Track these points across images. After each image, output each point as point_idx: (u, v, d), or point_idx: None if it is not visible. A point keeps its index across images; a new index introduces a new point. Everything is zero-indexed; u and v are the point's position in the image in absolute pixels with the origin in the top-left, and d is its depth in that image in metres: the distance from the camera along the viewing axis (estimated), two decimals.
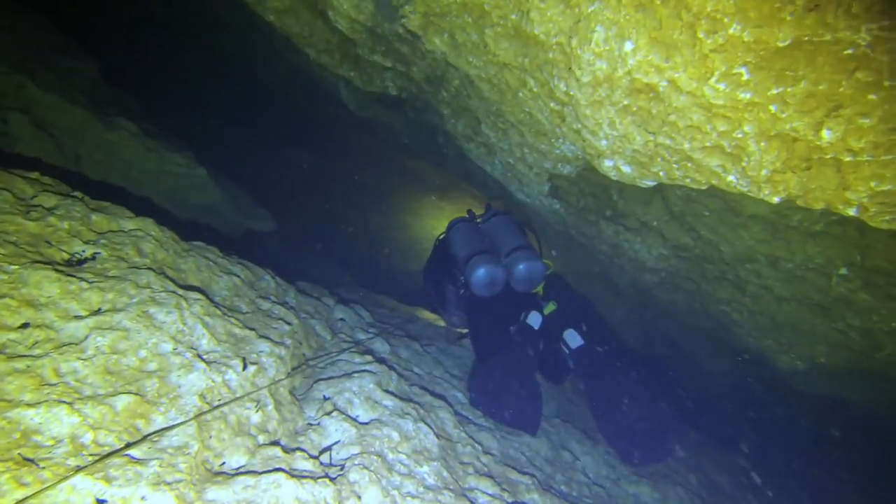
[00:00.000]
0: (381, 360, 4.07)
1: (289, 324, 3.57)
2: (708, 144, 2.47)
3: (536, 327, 4.45)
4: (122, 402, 2.00)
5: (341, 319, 4.91)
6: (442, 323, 7.90)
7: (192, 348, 2.59)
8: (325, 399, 3.17)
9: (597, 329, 4.59)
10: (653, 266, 5.29)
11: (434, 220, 10.54)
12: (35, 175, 3.27)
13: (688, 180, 2.88)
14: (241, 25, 7.16)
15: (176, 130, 7.31)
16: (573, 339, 4.39)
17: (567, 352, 4.40)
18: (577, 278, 8.31)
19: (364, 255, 9.88)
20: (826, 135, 1.91)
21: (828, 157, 2.00)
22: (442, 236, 5.17)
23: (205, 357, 2.62)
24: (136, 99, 6.94)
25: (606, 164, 3.15)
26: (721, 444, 5.71)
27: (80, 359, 2.05)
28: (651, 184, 3.21)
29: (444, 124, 5.21)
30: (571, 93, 2.85)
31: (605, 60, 2.51)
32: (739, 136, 2.26)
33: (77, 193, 3.34)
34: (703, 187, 2.84)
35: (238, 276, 3.77)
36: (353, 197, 9.75)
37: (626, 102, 2.66)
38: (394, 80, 4.85)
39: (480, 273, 4.26)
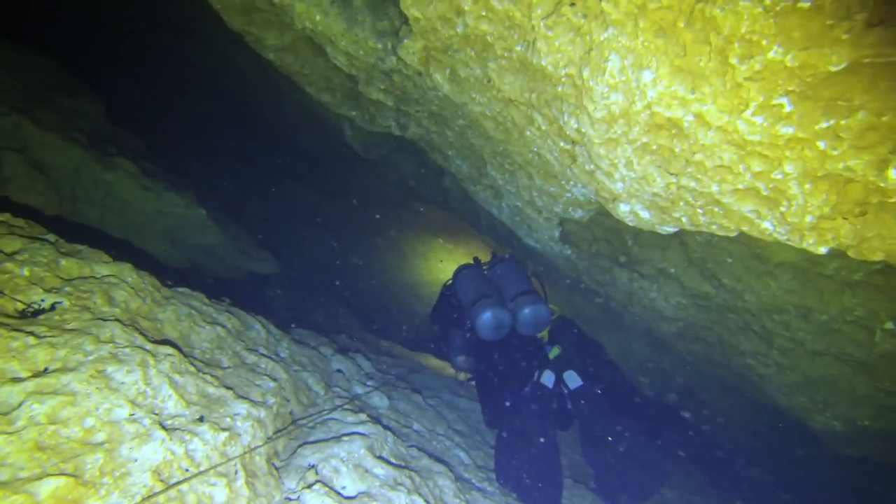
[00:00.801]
0: (376, 419, 3.69)
1: (274, 379, 3.22)
2: (740, 187, 2.14)
3: (550, 386, 4.31)
4: (48, 487, 1.65)
5: (339, 371, 4.55)
6: (448, 371, 7.50)
7: (153, 413, 2.25)
8: (310, 467, 2.79)
9: (601, 370, 4.47)
10: (670, 315, 4.91)
11: (442, 263, 10.23)
12: (4, 217, 3.01)
13: (714, 227, 2.54)
14: (246, 64, 7.05)
15: (178, 170, 7.13)
16: (572, 379, 4.29)
17: (566, 392, 4.29)
18: (588, 325, 7.90)
19: (371, 297, 9.55)
20: (893, 174, 1.57)
21: (892, 200, 1.66)
22: (448, 283, 5.01)
23: (168, 423, 2.27)
24: (140, 137, 6.77)
25: (622, 209, 2.82)
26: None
27: (3, 433, 1.71)
28: (671, 230, 2.87)
29: (449, 165, 4.95)
30: (583, 130, 2.55)
31: (621, 93, 2.21)
32: (779, 177, 1.93)
33: (50, 237, 3.07)
34: (732, 234, 2.49)
35: (223, 326, 3.45)
36: (360, 238, 9.49)
37: (644, 140, 2.34)
38: (396, 118, 4.61)
39: (486, 317, 4.15)
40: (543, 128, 3.01)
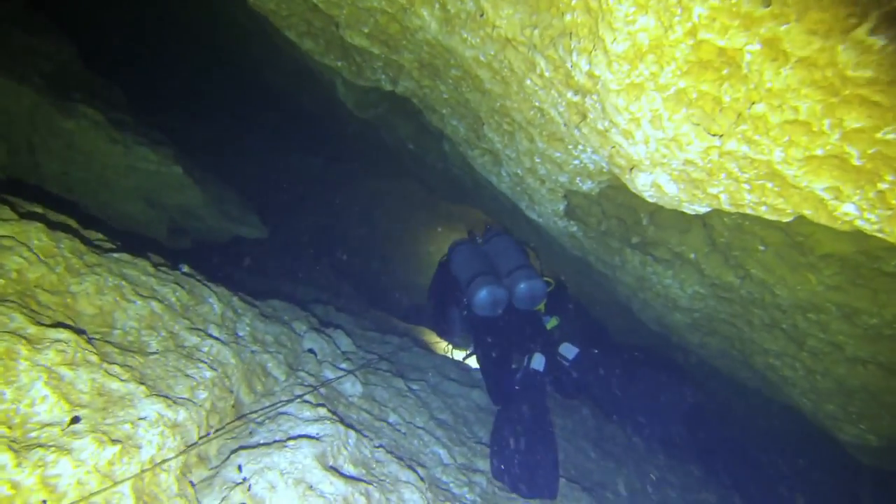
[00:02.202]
0: (339, 414, 3.10)
1: (214, 368, 2.62)
2: (818, 153, 1.45)
3: (542, 369, 4.20)
4: None
5: (310, 351, 3.96)
6: (441, 347, 6.96)
7: (7, 426, 1.65)
8: (239, 482, 2.20)
9: (595, 336, 4.75)
10: (685, 305, 4.25)
11: (444, 232, 9.58)
12: None
13: (763, 209, 1.87)
14: (245, 18, 6.31)
15: (165, 125, 6.47)
16: (568, 350, 4.26)
17: (566, 364, 4.25)
18: (593, 308, 7.26)
19: (366, 265, 8.95)
20: None
21: None
22: (444, 259, 4.87)
23: (29, 438, 1.68)
24: (120, 88, 6.11)
25: (642, 181, 2.14)
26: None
27: None
28: (702, 210, 2.21)
29: (444, 127, 4.26)
30: (597, 73, 1.86)
31: (653, 15, 1.53)
32: (891, 136, 1.24)
33: None
34: (785, 218, 1.81)
35: (162, 301, 2.84)
36: (356, 204, 8.84)
37: (680, 85, 1.66)
38: (385, 70, 3.91)
39: (482, 294, 4.08)
40: (547, 74, 2.32)
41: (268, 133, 8.44)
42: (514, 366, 4.41)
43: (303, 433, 2.65)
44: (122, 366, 2.18)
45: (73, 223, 3.36)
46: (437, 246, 9.57)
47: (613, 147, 2.24)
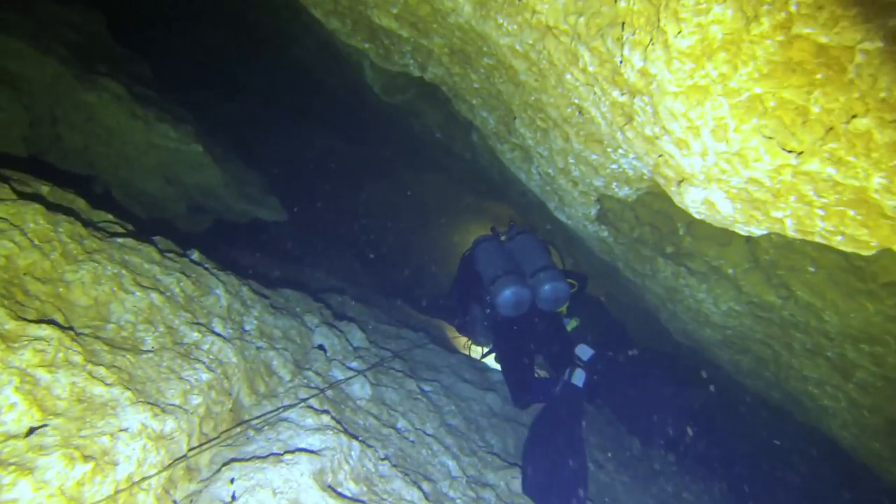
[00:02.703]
0: (344, 424, 2.89)
1: (212, 370, 2.42)
2: None
3: (581, 385, 4.11)
4: None
5: (320, 347, 3.76)
6: (459, 342, 6.72)
7: None
8: (228, 502, 2.00)
9: (613, 338, 4.69)
10: (718, 321, 3.94)
11: (469, 224, 9.31)
12: None
13: (838, 238, 1.58)
14: None
15: (189, 103, 6.29)
16: (584, 352, 4.24)
17: (582, 364, 4.20)
18: (616, 311, 6.95)
19: (388, 252, 8.73)
20: None
21: None
22: (467, 253, 4.77)
23: None
24: (146, 63, 5.94)
25: (692, 196, 1.86)
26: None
27: None
28: (758, 233, 1.91)
29: (474, 118, 3.99)
30: (652, 71, 1.58)
31: (733, 4, 1.23)
32: None
33: None
34: (867, 252, 1.52)
35: (163, 293, 2.65)
36: (380, 190, 8.61)
37: (756, 91, 1.37)
38: (413, 55, 3.64)
39: (507, 294, 4.00)
40: (591, 69, 2.03)
41: (295, 114, 8.23)
42: (539, 373, 4.39)
43: (302, 446, 2.45)
44: (109, 367, 1.98)
45: (81, 204, 3.19)
46: (461, 237, 9.31)
47: (661, 156, 1.95)
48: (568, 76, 2.27)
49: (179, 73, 7.41)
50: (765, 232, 1.91)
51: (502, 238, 4.59)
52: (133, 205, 5.15)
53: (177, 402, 2.12)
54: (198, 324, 2.73)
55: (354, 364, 3.83)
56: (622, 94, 1.99)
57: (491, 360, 5.27)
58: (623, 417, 4.36)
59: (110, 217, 3.23)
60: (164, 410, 1.99)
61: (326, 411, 2.87)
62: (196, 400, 2.21)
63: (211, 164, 5.16)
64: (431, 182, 8.28)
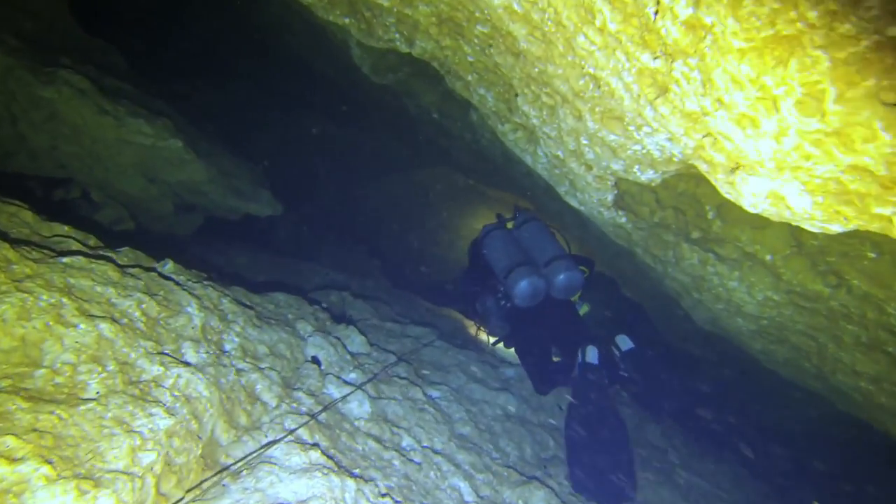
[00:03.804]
0: (337, 457, 2.48)
1: (172, 413, 2.00)
2: None
3: (596, 362, 4.05)
4: None
5: (313, 360, 3.34)
6: (468, 331, 6.31)
7: None
8: None
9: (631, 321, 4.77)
10: (752, 312, 3.49)
11: (474, 207, 8.82)
12: None
13: None
14: None
15: (172, 94, 5.82)
16: (624, 342, 4.17)
17: (618, 354, 4.16)
18: (632, 292, 6.48)
19: (392, 241, 8.29)
20: None
21: None
22: (475, 243, 4.64)
23: None
24: (126, 54, 5.45)
25: (751, 188, 1.40)
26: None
27: None
28: (835, 230, 1.43)
29: (471, 96, 3.49)
30: (707, 20, 1.09)
31: None
32: None
33: None
34: None
35: (116, 321, 2.22)
36: (380, 178, 8.12)
37: (875, 40, 0.87)
38: (398, 27, 3.14)
39: (523, 285, 3.92)
40: (612, 27, 1.55)
41: (287, 101, 7.72)
42: (555, 358, 4.39)
43: (285, 496, 2.04)
44: (23, 434, 1.57)
45: (27, 216, 2.76)
46: (465, 220, 8.84)
47: (709, 136, 1.48)
48: (580, 39, 1.78)
49: (164, 62, 6.92)
50: (845, 230, 1.44)
51: (509, 225, 4.44)
52: (113, 207, 4.72)
53: (120, 465, 1.71)
54: (162, 354, 2.32)
55: (353, 376, 3.42)
56: (654, 59, 1.51)
57: (502, 349, 5.27)
58: (640, 399, 4.47)
59: (64, 230, 2.80)
60: (98, 483, 1.58)
61: (316, 444, 2.47)
62: (148, 458, 1.80)
63: (194, 159, 4.71)
64: (432, 165, 7.77)
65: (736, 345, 4.39)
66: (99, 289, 2.32)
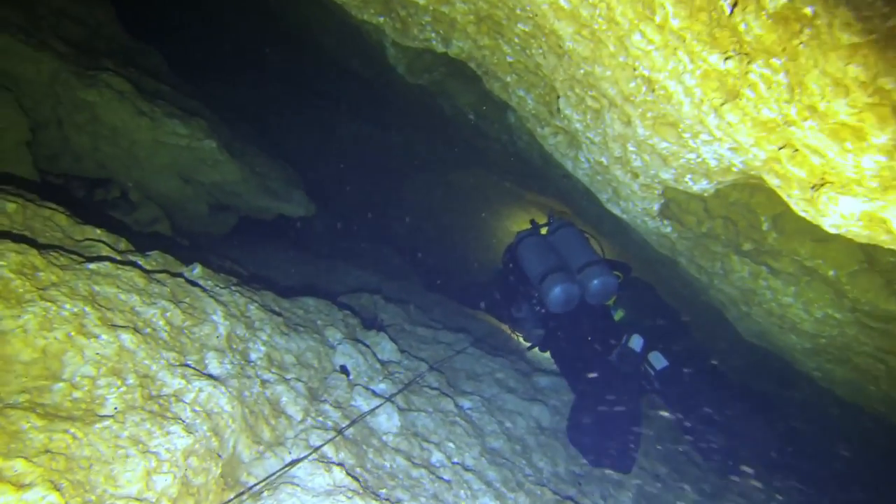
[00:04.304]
0: (363, 476, 2.34)
1: (191, 431, 1.89)
2: None
3: (639, 350, 4.16)
4: None
5: (341, 369, 3.22)
6: (502, 335, 6.13)
7: None
8: None
9: (668, 331, 4.42)
10: (808, 330, 3.21)
11: (509, 210, 8.61)
12: None
13: None
14: None
15: (209, 94, 5.81)
16: (658, 361, 4.14)
17: (652, 373, 4.15)
18: (671, 299, 6.18)
19: (427, 241, 8.16)
20: None
21: None
22: (510, 249, 4.63)
23: None
24: (164, 56, 5.45)
25: (840, 208, 1.18)
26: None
27: None
28: None
29: (509, 98, 3.31)
30: (808, 12, 0.86)
31: None
32: None
33: None
34: None
35: (139, 331, 2.13)
36: (414, 179, 7.99)
37: None
38: (434, 26, 2.98)
39: (557, 292, 3.94)
40: (675, 24, 1.35)
41: (322, 101, 7.65)
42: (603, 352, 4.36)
43: None
44: (35, 456, 1.47)
45: (61, 219, 2.71)
46: (500, 223, 8.63)
47: (788, 147, 1.25)
48: (636, 38, 1.58)
49: (201, 62, 6.93)
50: None
51: (543, 231, 4.49)
52: (150, 207, 4.71)
53: (133, 489, 1.60)
54: (185, 365, 2.22)
55: (382, 386, 3.28)
56: (725, 59, 1.30)
57: (537, 353, 5.22)
58: (706, 450, 4.35)
59: (96, 234, 2.74)
60: None
61: (342, 464, 2.33)
62: (163, 482, 1.69)
63: (228, 159, 4.66)
64: (467, 167, 7.60)
65: (787, 360, 4.09)
66: (123, 297, 2.23)
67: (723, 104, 1.44)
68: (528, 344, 5.02)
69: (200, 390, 2.13)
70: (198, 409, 2.06)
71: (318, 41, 6.49)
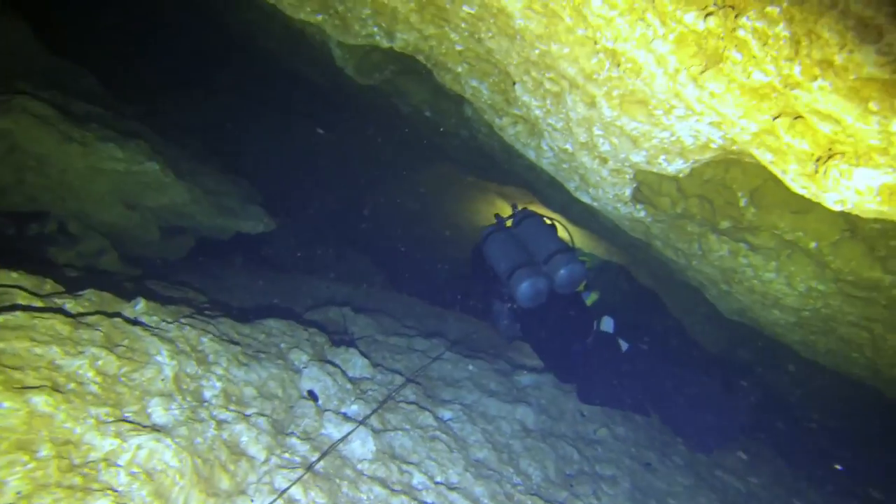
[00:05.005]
0: None
1: (125, 501, 1.59)
2: None
3: (612, 330, 4.29)
4: None
5: (310, 394, 2.93)
6: (478, 338, 5.91)
7: None
8: None
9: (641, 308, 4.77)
10: (792, 304, 3.05)
11: (476, 203, 8.38)
12: None
13: None
14: None
15: (151, 113, 5.41)
16: (607, 325, 4.33)
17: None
18: (647, 280, 6.05)
19: (395, 244, 7.87)
20: None
21: None
22: (477, 247, 4.53)
23: None
24: (98, 76, 5.04)
25: (856, 183, 0.93)
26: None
27: None
28: None
29: (463, 90, 3.05)
30: None
31: None
32: None
33: None
34: None
35: (59, 390, 1.81)
36: (376, 182, 7.68)
37: None
38: (375, 19, 2.71)
39: (524, 287, 3.89)
40: None
41: (273, 110, 7.27)
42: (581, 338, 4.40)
43: None
44: None
45: None
46: (467, 217, 8.39)
47: (785, 116, 1.02)
48: (595, 3, 1.34)
49: (141, 81, 6.48)
50: None
51: (508, 223, 4.39)
52: (94, 239, 4.32)
53: None
54: (122, 420, 1.91)
55: (354, 408, 3.01)
56: (705, 17, 1.06)
57: (519, 350, 5.26)
58: (672, 423, 4.42)
59: (12, 278, 2.40)
60: None
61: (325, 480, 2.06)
62: None
63: (174, 181, 4.30)
64: (429, 165, 7.33)
65: (768, 335, 3.95)
66: (39, 350, 1.91)
67: (703, 72, 1.21)
68: (507, 339, 4.96)
69: (139, 447, 1.83)
70: (136, 470, 1.76)
71: (264, 47, 6.12)
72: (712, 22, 1.07)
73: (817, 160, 1.09)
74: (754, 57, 1.01)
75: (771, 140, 1.21)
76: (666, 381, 4.22)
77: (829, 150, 1.04)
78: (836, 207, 1.23)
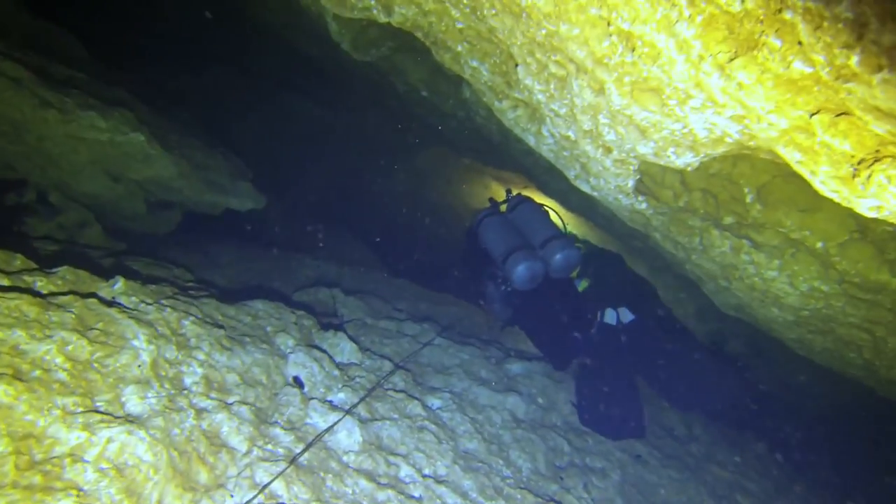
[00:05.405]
0: None
1: (91, 500, 1.48)
2: None
3: (615, 323, 4.26)
4: None
5: (294, 381, 2.82)
6: (470, 324, 5.82)
7: None
8: None
9: (633, 294, 4.54)
10: (793, 303, 2.95)
11: (471, 186, 8.22)
12: None
13: None
14: None
15: (141, 81, 5.19)
16: (611, 317, 4.29)
17: (620, 326, 4.25)
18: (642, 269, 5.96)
19: (389, 225, 7.71)
20: None
21: None
22: (471, 230, 4.45)
23: None
24: (82, 40, 4.80)
25: None
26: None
27: None
28: None
29: (462, 70, 2.90)
30: None
31: None
32: None
33: None
34: None
35: (22, 379, 1.69)
36: (373, 161, 7.48)
37: None
38: None
39: (521, 270, 3.86)
40: None
41: (269, 84, 7.03)
42: (576, 334, 4.39)
43: None
44: None
45: None
46: (462, 200, 8.24)
47: (825, 113, 0.90)
48: None
49: (133, 47, 6.23)
50: None
51: (502, 208, 4.34)
52: (76, 210, 4.15)
53: None
54: (93, 411, 1.79)
55: (341, 396, 2.91)
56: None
57: (511, 336, 5.28)
58: (667, 396, 4.51)
59: None
60: None
61: (294, 500, 1.96)
62: None
63: (160, 153, 4.12)
64: (426, 146, 7.14)
65: (763, 330, 3.88)
66: (0, 334, 1.78)
67: (731, 60, 1.08)
68: (500, 324, 4.92)
69: (110, 440, 1.72)
70: (105, 466, 1.65)
71: (261, 19, 5.88)
72: (751, 1, 0.93)
73: (859, 163, 0.97)
74: (800, 43, 0.88)
75: (802, 138, 1.09)
76: (663, 353, 4.23)
77: (877, 152, 0.92)
78: (871, 214, 1.12)
